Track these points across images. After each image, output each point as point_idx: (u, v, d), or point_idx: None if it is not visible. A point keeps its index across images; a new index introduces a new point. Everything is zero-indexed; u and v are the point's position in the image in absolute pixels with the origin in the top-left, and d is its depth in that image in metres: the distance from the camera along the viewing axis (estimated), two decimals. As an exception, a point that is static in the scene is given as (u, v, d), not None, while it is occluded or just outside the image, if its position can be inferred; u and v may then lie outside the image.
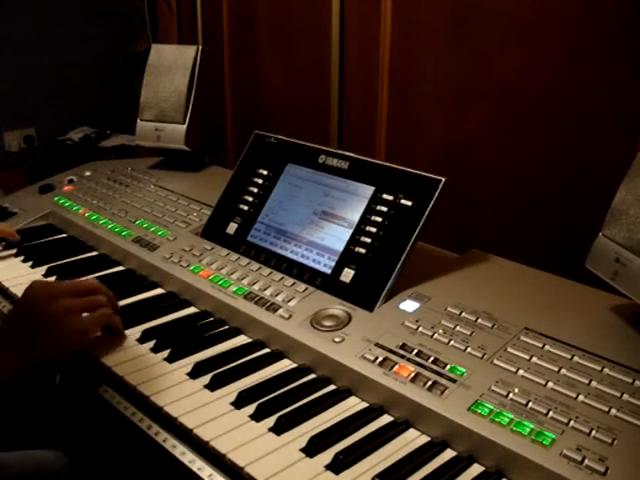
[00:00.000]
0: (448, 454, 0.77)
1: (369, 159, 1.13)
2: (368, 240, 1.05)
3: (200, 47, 1.64)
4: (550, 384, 0.80)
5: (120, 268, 1.25)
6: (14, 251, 1.30)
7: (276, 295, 1.05)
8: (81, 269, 1.22)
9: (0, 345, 0.87)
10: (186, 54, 1.63)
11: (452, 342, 0.89)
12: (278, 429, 0.80)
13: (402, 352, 0.88)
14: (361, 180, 1.11)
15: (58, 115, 3.13)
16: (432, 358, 0.86)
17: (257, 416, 0.83)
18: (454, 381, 0.82)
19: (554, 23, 1.26)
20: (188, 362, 0.94)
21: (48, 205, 1.48)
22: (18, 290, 1.15)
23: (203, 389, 0.89)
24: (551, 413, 0.76)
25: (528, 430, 0.74)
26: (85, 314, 0.95)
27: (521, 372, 0.82)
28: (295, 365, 0.94)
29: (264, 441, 0.79)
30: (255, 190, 1.24)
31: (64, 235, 1.40)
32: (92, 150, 2.92)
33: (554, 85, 1.28)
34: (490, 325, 0.91)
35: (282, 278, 1.09)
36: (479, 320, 0.92)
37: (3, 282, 1.18)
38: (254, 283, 1.08)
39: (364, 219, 1.07)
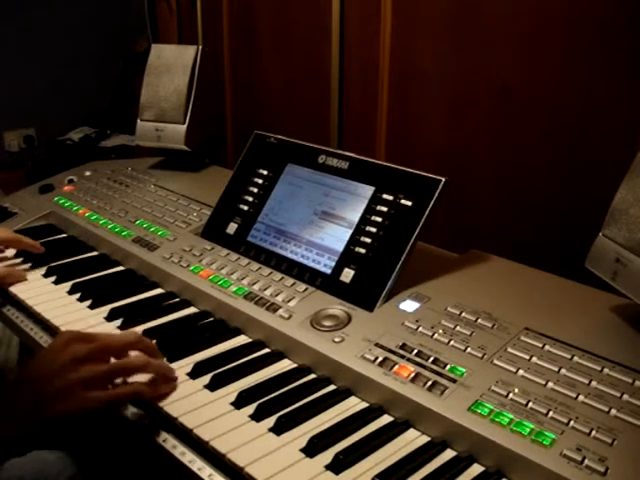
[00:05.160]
0: (448, 454, 0.77)
1: (369, 159, 1.13)
2: (368, 240, 1.05)
3: (200, 47, 1.64)
4: (550, 384, 0.80)
5: (120, 268, 1.25)
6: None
7: (276, 295, 1.05)
8: (81, 269, 1.22)
9: (6, 408, 0.81)
10: (186, 54, 1.63)
11: (452, 342, 0.89)
12: (278, 429, 0.80)
13: (402, 352, 0.88)
14: (361, 180, 1.11)
15: (58, 115, 3.13)
16: (432, 358, 0.86)
17: (257, 416, 0.83)
18: (454, 381, 0.82)
19: (554, 23, 1.26)
20: (188, 362, 0.94)
21: (48, 205, 1.48)
22: (18, 290, 1.15)
23: (203, 389, 0.89)
24: (551, 413, 0.76)
25: (528, 430, 0.74)
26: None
27: (521, 372, 0.82)
28: (295, 365, 0.94)
29: (264, 441, 0.79)
30: (255, 190, 1.24)
31: (64, 235, 1.40)
32: (92, 150, 2.92)
33: (554, 85, 1.28)
34: (490, 325, 0.91)
35: (282, 278, 1.09)
36: (479, 320, 0.92)
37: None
38: (254, 283, 1.08)
39: (364, 219, 1.07)
